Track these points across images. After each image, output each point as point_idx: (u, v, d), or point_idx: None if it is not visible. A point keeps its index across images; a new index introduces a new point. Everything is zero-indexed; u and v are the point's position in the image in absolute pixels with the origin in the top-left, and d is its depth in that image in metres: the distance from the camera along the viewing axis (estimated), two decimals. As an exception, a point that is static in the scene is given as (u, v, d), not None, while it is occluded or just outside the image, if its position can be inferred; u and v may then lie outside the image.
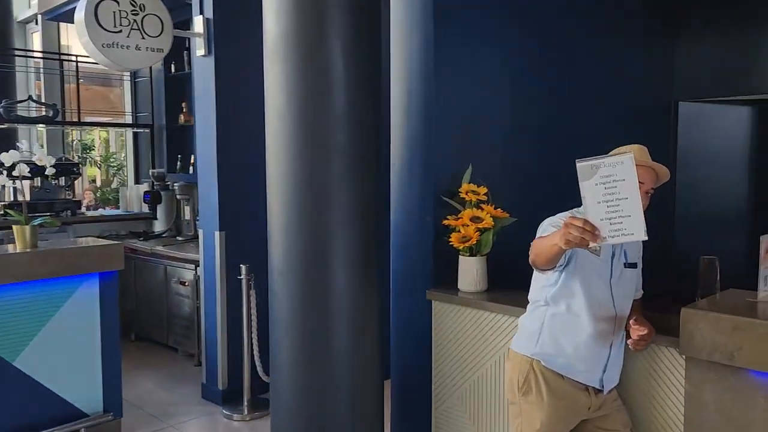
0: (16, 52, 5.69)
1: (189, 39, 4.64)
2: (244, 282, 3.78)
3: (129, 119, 6.07)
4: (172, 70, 5.46)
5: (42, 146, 5.82)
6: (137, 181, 6.10)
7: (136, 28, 3.52)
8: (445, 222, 2.69)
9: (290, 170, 2.43)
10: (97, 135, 6.98)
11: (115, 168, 6.68)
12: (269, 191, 2.52)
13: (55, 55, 5.85)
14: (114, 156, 6.59)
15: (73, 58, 5.66)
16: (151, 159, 5.78)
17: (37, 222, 3.21)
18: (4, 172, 3.22)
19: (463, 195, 2.71)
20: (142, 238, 5.35)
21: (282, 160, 2.45)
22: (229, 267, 3.91)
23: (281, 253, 2.47)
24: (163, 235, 5.51)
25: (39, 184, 5.19)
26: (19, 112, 5.37)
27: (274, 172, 2.48)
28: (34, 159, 3.29)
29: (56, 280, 3.15)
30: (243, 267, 3.77)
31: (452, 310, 2.69)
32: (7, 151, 3.14)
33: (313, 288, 2.46)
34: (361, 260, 2.48)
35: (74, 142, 6.49)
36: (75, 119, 5.84)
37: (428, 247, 2.76)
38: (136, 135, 6.13)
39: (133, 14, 3.51)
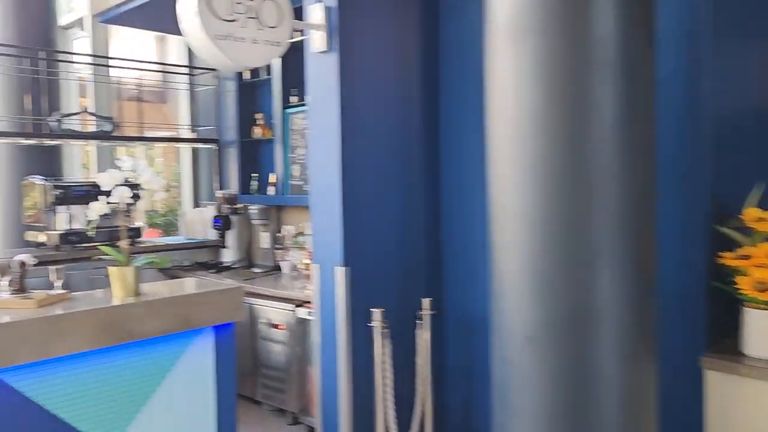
0: (64, 56, 4.97)
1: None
2: (377, 331, 3.04)
3: (185, 133, 5.36)
4: (246, 76, 4.76)
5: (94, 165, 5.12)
6: (196, 204, 5.38)
7: (253, 16, 2.82)
8: (725, 260, 1.97)
9: (548, 203, 1.71)
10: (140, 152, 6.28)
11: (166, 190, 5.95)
12: (498, 230, 1.81)
13: (106, 61, 5.16)
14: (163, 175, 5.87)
15: (129, 66, 4.96)
16: (218, 178, 5.06)
17: (141, 262, 2.49)
18: (101, 197, 2.50)
19: (749, 223, 1.99)
20: (213, 271, 4.62)
21: (533, 188, 1.73)
22: (354, 311, 3.18)
23: (530, 312, 1.75)
24: (235, 266, 4.78)
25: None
26: (67, 125, 4.65)
27: (513, 203, 1.76)
28: (140, 181, 2.57)
29: (167, 336, 2.43)
30: (376, 311, 3.03)
31: (738, 385, 1.96)
32: (105, 171, 2.43)
33: (577, 359, 1.73)
34: (636, 324, 1.75)
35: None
36: (128, 134, 5.12)
37: (698, 296, 2.04)
38: (195, 152, 5.43)
39: (248, 0, 2.82)
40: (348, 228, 3.17)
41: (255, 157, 4.89)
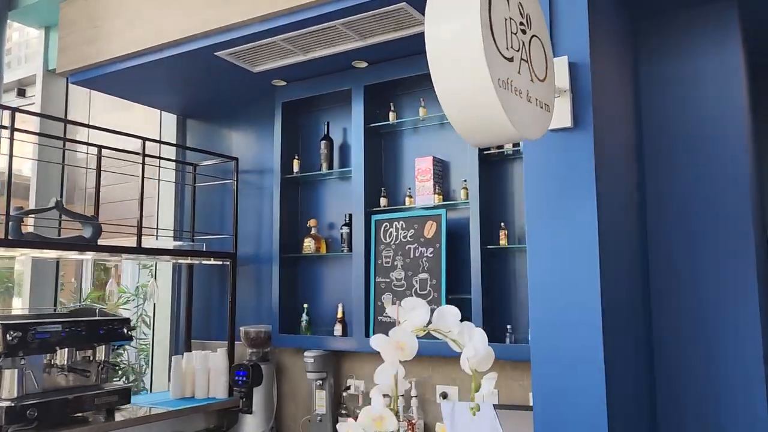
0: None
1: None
2: None
3: (166, 242, 3.83)
4: (296, 169, 3.46)
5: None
6: (188, 348, 3.77)
7: (525, 59, 1.67)
8: None
9: None
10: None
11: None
12: None
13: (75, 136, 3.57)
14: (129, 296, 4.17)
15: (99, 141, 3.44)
16: (231, 309, 3.55)
17: None
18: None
19: None
20: (245, 453, 3.04)
21: None
22: None
23: None
24: (269, 443, 3.24)
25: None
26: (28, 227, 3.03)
27: None
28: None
29: None
30: None
31: None
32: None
33: None
34: None
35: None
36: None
37: None
38: (177, 270, 3.90)
39: (521, 29, 1.67)
40: (611, 392, 1.94)
41: (298, 280, 3.49)
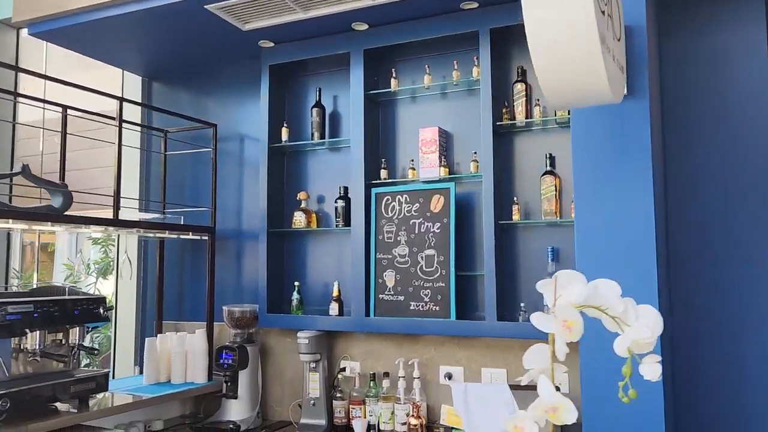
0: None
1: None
2: None
3: (129, 214, 3.51)
4: (284, 138, 3.23)
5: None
6: (159, 329, 3.49)
7: (611, 13, 1.53)
8: None
9: None
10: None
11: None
12: None
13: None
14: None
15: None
16: (210, 287, 3.30)
17: None
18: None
19: None
20: (235, 441, 2.83)
21: None
22: None
23: None
24: (253, 429, 3.05)
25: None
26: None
27: None
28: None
29: None
30: None
31: None
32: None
33: None
34: None
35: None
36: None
37: None
38: (143, 245, 3.60)
39: None
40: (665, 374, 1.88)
41: (287, 256, 3.28)
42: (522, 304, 2.68)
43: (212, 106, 3.59)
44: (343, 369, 3.09)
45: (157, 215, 3.51)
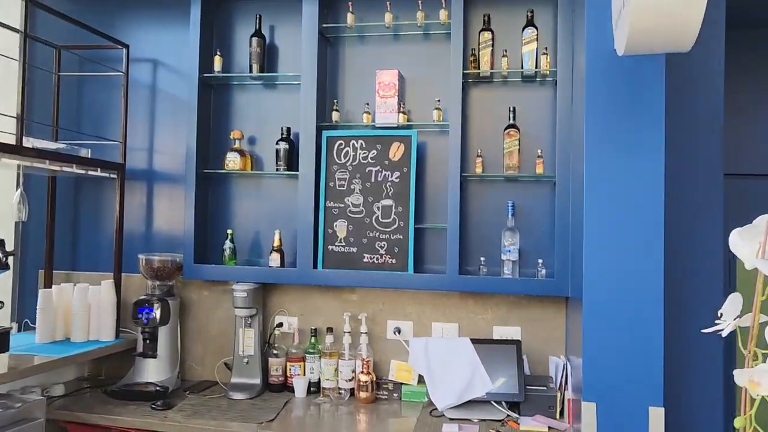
0: None
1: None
2: None
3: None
4: (217, 68, 2.86)
5: None
6: (48, 281, 3.00)
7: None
8: None
9: None
10: None
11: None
12: None
13: None
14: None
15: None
16: (118, 235, 2.88)
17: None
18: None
19: None
20: (158, 406, 2.52)
21: None
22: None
23: None
24: (175, 390, 2.76)
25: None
26: None
27: None
28: None
29: None
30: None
31: None
32: None
33: None
34: None
35: None
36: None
37: None
38: (51, 182, 3.04)
39: None
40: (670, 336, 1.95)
41: (218, 202, 2.95)
42: (482, 258, 2.66)
43: (123, 24, 3.07)
44: (280, 324, 2.88)
45: (46, 145, 2.96)
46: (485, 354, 2.55)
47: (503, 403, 2.50)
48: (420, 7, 2.70)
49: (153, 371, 2.79)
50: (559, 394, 2.48)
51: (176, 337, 2.88)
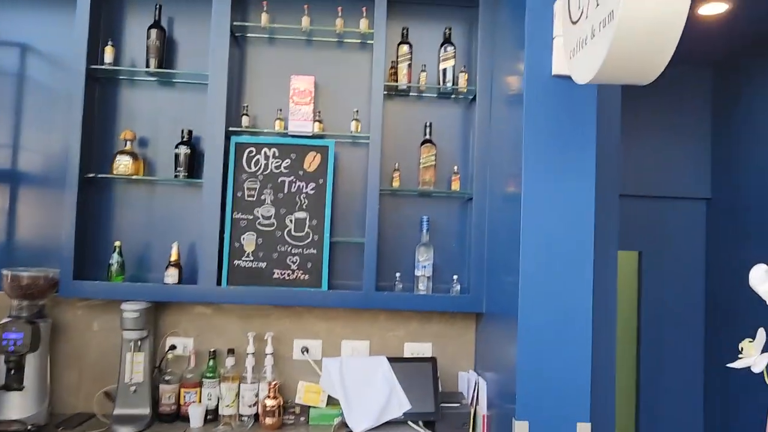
0: None
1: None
2: None
3: None
4: (108, 59, 2.54)
5: None
6: None
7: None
8: None
9: None
10: None
11: None
12: None
13: None
14: None
15: None
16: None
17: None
18: None
19: None
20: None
21: None
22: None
23: None
24: (43, 426, 2.38)
25: None
26: None
27: None
28: None
29: None
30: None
31: None
32: None
33: None
34: None
35: None
36: None
37: None
38: None
39: None
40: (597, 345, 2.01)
41: (104, 210, 2.60)
42: (397, 274, 2.60)
43: (-18, -1, 2.64)
44: (173, 347, 2.60)
45: None
46: (401, 372, 2.49)
47: (420, 422, 2.45)
48: (340, 14, 2.61)
49: (18, 406, 2.38)
50: (471, 411, 2.48)
51: (46, 364, 2.48)
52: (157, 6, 2.60)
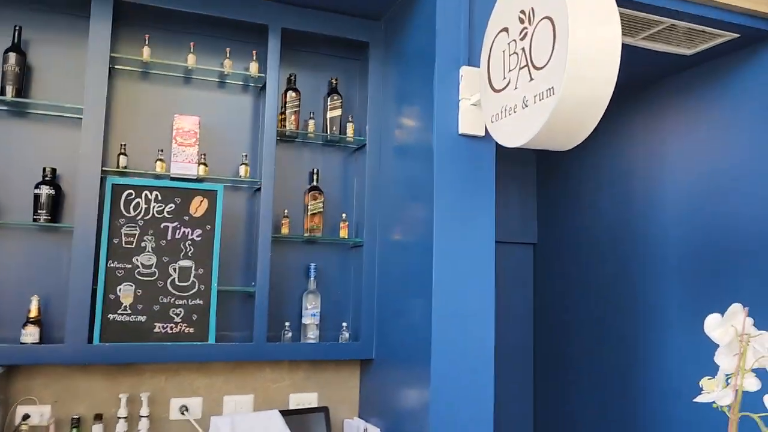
0: None
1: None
2: None
3: None
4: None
5: None
6: None
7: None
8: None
9: None
10: None
11: None
12: None
13: None
14: None
15: None
16: None
17: None
18: None
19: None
20: None
21: None
22: None
23: None
24: None
25: None
26: None
27: None
28: None
29: None
30: None
31: None
32: None
33: None
34: None
35: None
36: None
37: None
38: None
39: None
40: (499, 383, 2.13)
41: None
42: (287, 323, 2.53)
43: None
44: (27, 416, 2.24)
45: None
46: (294, 425, 2.41)
47: (313, 476, 2.39)
48: (228, 55, 2.53)
49: None
50: (361, 459, 2.48)
51: None
52: (17, 27, 2.30)
